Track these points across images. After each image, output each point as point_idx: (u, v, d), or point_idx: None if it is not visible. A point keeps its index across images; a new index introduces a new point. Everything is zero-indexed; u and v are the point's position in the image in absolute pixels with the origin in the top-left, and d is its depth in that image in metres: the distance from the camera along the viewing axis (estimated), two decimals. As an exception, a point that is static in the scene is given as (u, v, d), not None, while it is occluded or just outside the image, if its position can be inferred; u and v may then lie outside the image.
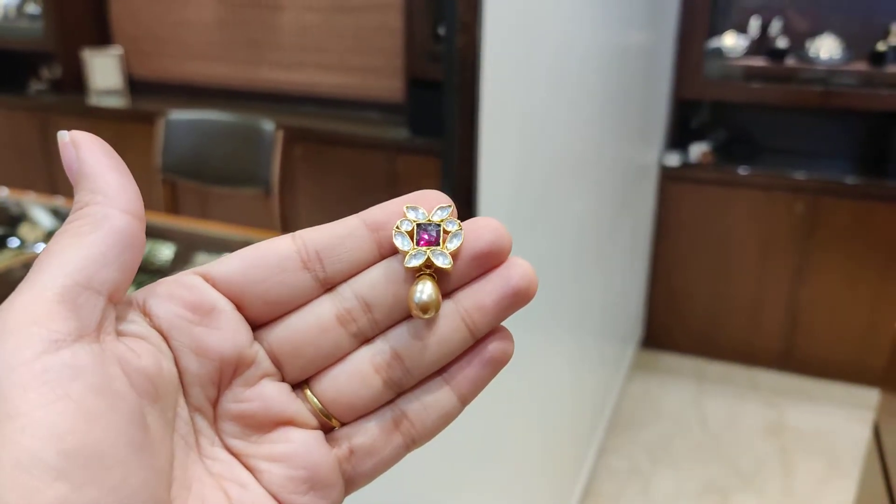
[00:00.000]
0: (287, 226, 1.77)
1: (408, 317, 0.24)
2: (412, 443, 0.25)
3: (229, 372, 0.24)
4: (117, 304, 0.22)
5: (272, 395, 0.24)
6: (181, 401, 0.23)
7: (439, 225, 0.24)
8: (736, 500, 1.80)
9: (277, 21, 2.49)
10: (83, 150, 0.23)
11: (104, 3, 2.71)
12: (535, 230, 1.10)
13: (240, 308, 0.24)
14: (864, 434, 1.90)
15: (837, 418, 2.10)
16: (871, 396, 2.09)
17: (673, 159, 2.24)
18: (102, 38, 2.73)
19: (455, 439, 0.91)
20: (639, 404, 2.15)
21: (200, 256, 1.28)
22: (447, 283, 0.24)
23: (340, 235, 0.24)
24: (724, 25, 2.31)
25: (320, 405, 0.25)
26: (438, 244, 0.24)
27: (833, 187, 2.11)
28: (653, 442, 1.99)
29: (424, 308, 0.23)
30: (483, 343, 0.25)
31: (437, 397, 0.25)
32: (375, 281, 0.24)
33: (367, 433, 0.25)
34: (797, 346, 2.27)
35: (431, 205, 0.25)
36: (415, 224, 0.24)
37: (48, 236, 1.37)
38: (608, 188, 1.58)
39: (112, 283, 0.21)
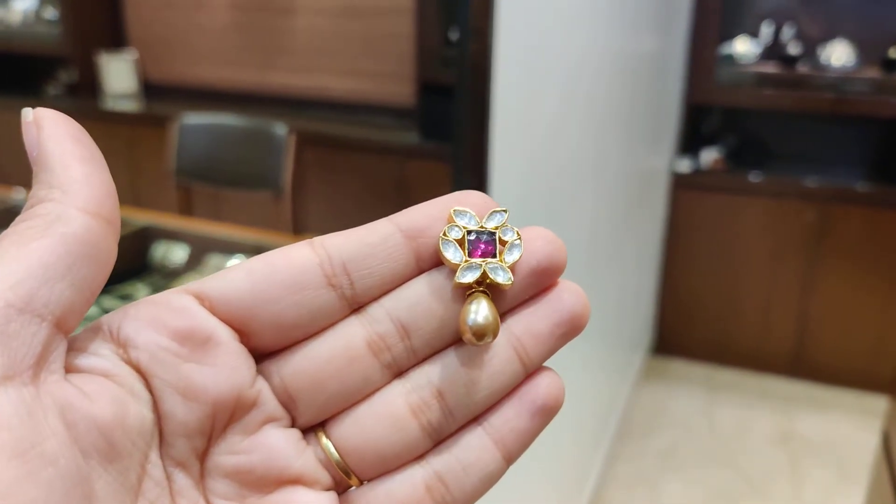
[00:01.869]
0: (298, 228, 1.78)
1: (450, 345, 0.20)
2: None
3: (224, 417, 0.19)
4: (68, 332, 0.17)
5: (276, 445, 0.19)
6: (153, 456, 0.18)
7: (494, 233, 0.20)
8: (745, 508, 1.79)
9: (290, 26, 2.51)
10: (45, 131, 0.18)
11: (120, 8, 2.73)
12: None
13: (244, 336, 0.20)
14: (874, 442, 1.89)
15: (847, 426, 2.09)
16: (881, 404, 2.08)
17: (684, 165, 2.24)
18: (118, 42, 2.76)
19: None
20: (648, 411, 2.15)
21: (213, 258, 1.29)
22: (501, 305, 0.20)
23: (371, 244, 0.20)
24: (735, 31, 2.31)
25: (338, 456, 0.20)
26: (495, 256, 0.20)
27: (844, 194, 2.11)
28: (661, 449, 1.99)
29: (481, 333, 0.19)
30: (530, 385, 0.20)
31: (479, 455, 0.20)
32: (416, 300, 0.20)
33: (391, 499, 0.20)
34: (808, 354, 2.27)
35: (481, 209, 0.21)
36: (465, 231, 0.20)
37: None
38: (618, 194, 1.59)
39: (60, 304, 0.16)
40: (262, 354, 0.20)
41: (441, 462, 0.20)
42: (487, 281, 0.20)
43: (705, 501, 1.81)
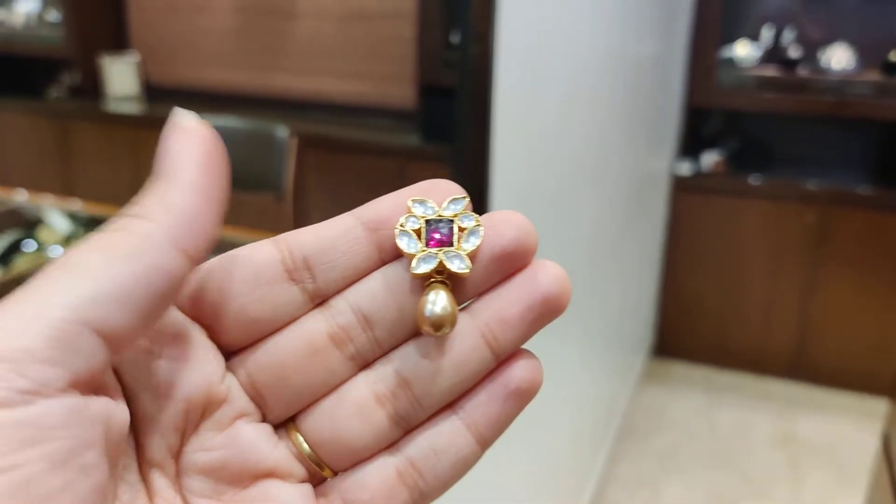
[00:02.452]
0: (300, 231, 1.79)
1: (415, 334, 0.20)
2: (421, 498, 0.20)
3: (196, 414, 0.19)
4: (118, 354, 0.17)
5: (249, 439, 0.19)
6: (127, 459, 0.18)
7: (452, 221, 0.20)
8: (745, 510, 1.79)
9: (291, 29, 2.51)
10: (181, 145, 0.18)
11: (122, 10, 2.74)
12: (545, 238, 1.11)
13: (211, 332, 0.20)
14: (874, 444, 1.89)
15: (848, 428, 2.10)
16: (881, 407, 2.09)
17: (685, 168, 2.24)
18: (120, 45, 2.76)
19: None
20: (649, 412, 2.15)
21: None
22: (463, 292, 0.20)
23: (332, 237, 0.20)
24: (736, 34, 2.31)
25: (310, 450, 0.20)
26: (452, 244, 0.20)
27: (845, 197, 2.11)
28: (662, 450, 1.99)
29: (438, 324, 0.19)
30: (505, 369, 0.20)
31: (452, 439, 0.20)
32: (376, 291, 0.20)
33: (364, 489, 0.20)
34: (808, 356, 2.27)
35: (442, 197, 0.20)
36: (423, 221, 0.20)
37: (65, 240, 1.39)
38: (619, 196, 1.59)
39: (124, 330, 0.16)
40: (229, 351, 0.20)
41: (413, 449, 0.20)
42: (446, 270, 0.19)
43: (705, 502, 1.81)
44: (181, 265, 0.17)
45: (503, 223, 0.20)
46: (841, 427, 2.10)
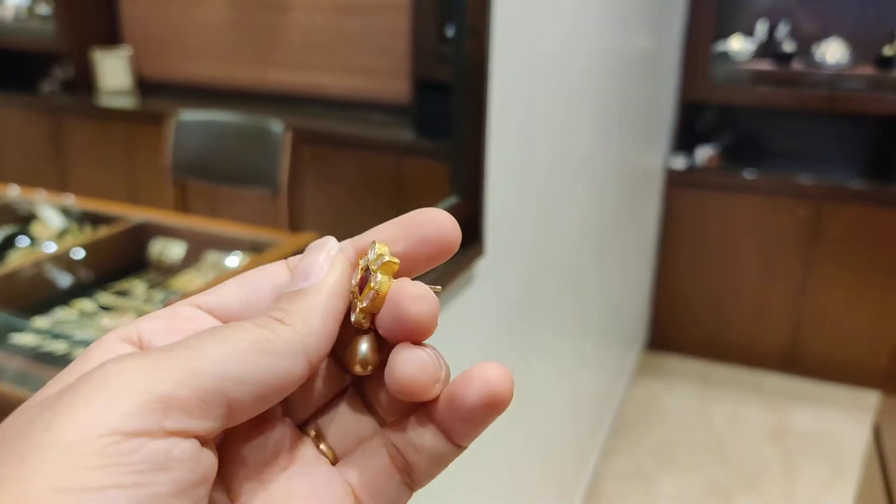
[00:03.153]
0: (295, 225, 1.78)
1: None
2: (411, 482, 0.23)
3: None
4: (232, 423, 0.19)
5: (282, 438, 0.22)
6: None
7: (367, 270, 0.23)
8: (738, 502, 1.80)
9: (285, 22, 2.50)
10: (323, 264, 0.22)
11: (114, 4, 2.73)
12: (540, 232, 1.11)
13: None
14: (866, 436, 1.90)
15: (841, 421, 2.11)
16: (873, 399, 2.10)
17: (679, 162, 2.25)
18: (112, 38, 2.75)
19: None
20: (643, 406, 2.16)
21: (211, 254, 1.29)
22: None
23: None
24: (730, 29, 2.31)
25: (322, 439, 0.23)
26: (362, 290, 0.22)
27: (838, 191, 2.12)
28: (657, 444, 2.00)
29: (364, 363, 0.23)
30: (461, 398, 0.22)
31: (428, 442, 0.22)
32: None
33: (365, 470, 0.23)
34: (801, 349, 2.28)
35: (415, 229, 0.23)
36: (364, 266, 0.23)
37: (58, 235, 1.39)
38: (614, 191, 1.59)
39: (244, 413, 0.19)
40: None
41: (400, 442, 0.22)
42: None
43: (699, 495, 1.82)
44: (304, 373, 0.20)
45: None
46: (833, 419, 2.12)
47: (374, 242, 0.23)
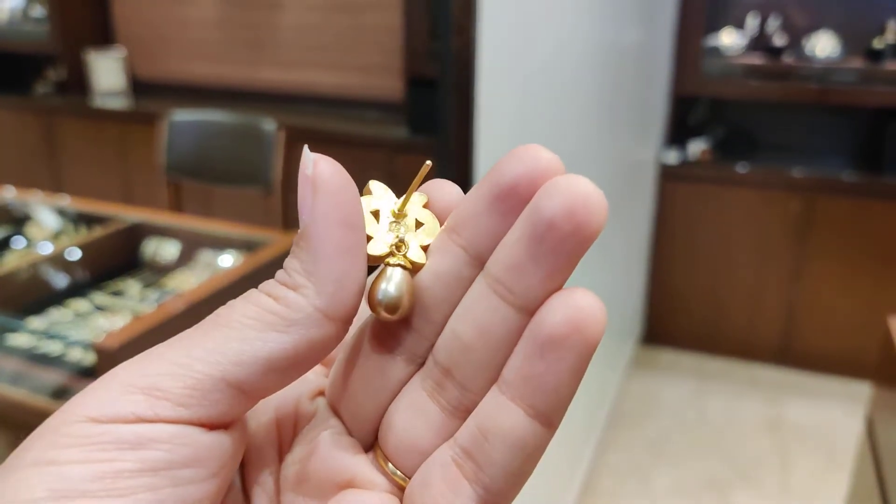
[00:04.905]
0: (288, 224, 1.79)
1: (446, 319, 0.19)
2: (486, 494, 0.18)
3: (289, 430, 0.21)
4: (254, 403, 0.18)
5: (327, 447, 0.20)
6: (235, 478, 0.20)
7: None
8: (735, 495, 1.81)
9: (278, 21, 2.51)
10: (321, 200, 0.18)
11: (107, 5, 2.73)
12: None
13: None
14: (861, 428, 1.91)
15: (836, 413, 2.12)
16: (867, 390, 2.10)
17: (671, 156, 2.26)
18: (106, 39, 2.75)
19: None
20: (638, 400, 2.17)
21: (204, 254, 1.30)
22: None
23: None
24: (721, 22, 2.32)
25: (391, 464, 0.20)
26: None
27: (830, 184, 2.13)
28: (652, 438, 2.01)
29: (392, 306, 0.18)
30: (536, 319, 0.17)
31: (496, 416, 0.18)
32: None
33: (429, 487, 0.19)
34: (795, 342, 2.29)
35: (441, 195, 0.21)
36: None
37: (53, 236, 1.39)
38: (606, 185, 1.60)
39: (263, 389, 0.18)
40: None
41: (464, 436, 0.18)
42: (403, 249, 0.19)
43: (695, 489, 1.83)
44: (330, 333, 0.18)
45: (508, 159, 0.18)
46: (828, 411, 2.13)
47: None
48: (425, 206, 0.20)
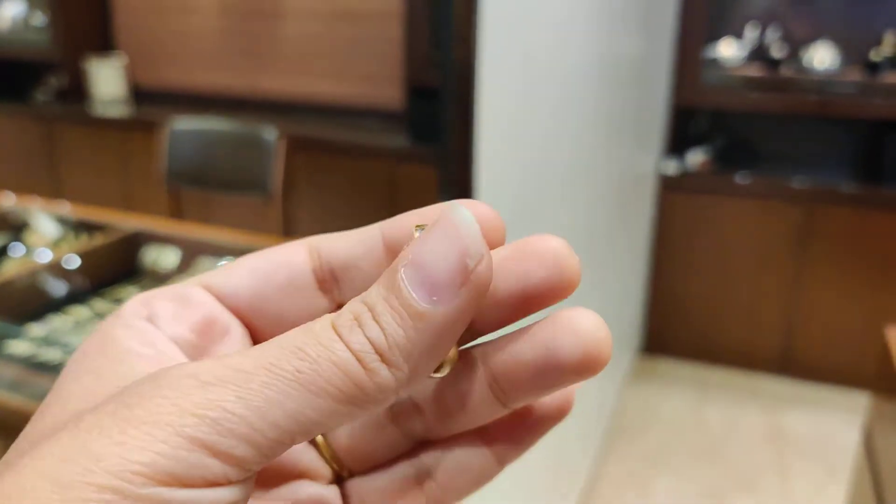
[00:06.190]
0: (288, 231, 1.79)
1: None
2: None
3: None
4: None
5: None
6: None
7: None
8: (733, 505, 1.81)
9: (279, 30, 2.52)
10: (466, 297, 0.16)
11: (108, 13, 2.74)
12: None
13: (251, 334, 0.20)
14: (859, 438, 1.91)
15: (835, 423, 2.12)
16: (867, 400, 2.10)
17: (671, 167, 2.26)
18: (106, 47, 2.76)
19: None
20: (638, 410, 2.17)
21: (204, 261, 1.30)
22: (473, 329, 0.18)
23: (356, 255, 0.20)
24: (721, 33, 2.33)
25: (331, 452, 0.20)
26: None
27: (829, 195, 2.13)
28: (652, 448, 2.01)
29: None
30: (537, 408, 0.20)
31: (473, 460, 0.20)
32: None
33: (383, 494, 0.20)
34: (795, 352, 2.29)
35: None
36: None
37: (53, 243, 1.39)
38: (606, 195, 1.60)
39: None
40: None
41: (432, 461, 0.20)
42: None
43: (695, 499, 1.83)
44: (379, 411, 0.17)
45: (539, 255, 0.17)
46: (828, 421, 2.13)
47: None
48: None
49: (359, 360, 0.15)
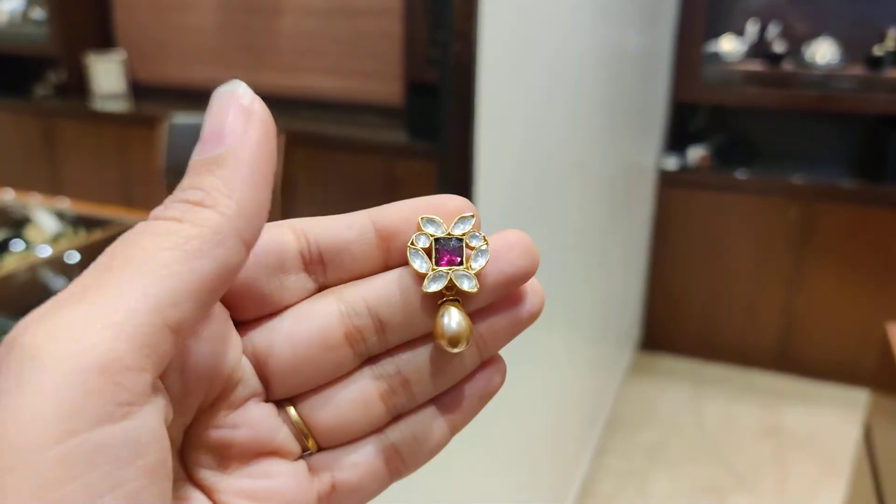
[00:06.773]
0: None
1: (420, 339, 0.21)
2: (397, 475, 0.22)
3: (214, 394, 0.19)
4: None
5: (259, 420, 0.20)
6: None
7: (461, 240, 0.21)
8: (732, 501, 1.81)
9: (278, 26, 2.51)
10: (255, 128, 0.18)
11: (108, 8, 2.73)
12: (531, 234, 1.12)
13: (231, 312, 0.20)
14: (858, 434, 1.91)
15: (833, 419, 2.12)
16: (865, 397, 2.11)
17: (671, 163, 2.26)
18: (106, 43, 2.75)
19: (452, 442, 0.92)
20: (636, 406, 2.17)
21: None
22: (470, 306, 0.21)
23: (348, 239, 0.20)
24: (721, 29, 2.33)
25: (305, 427, 0.21)
26: (461, 263, 0.21)
27: (829, 191, 2.13)
28: (650, 443, 2.01)
29: (455, 340, 0.20)
30: (485, 373, 0.22)
31: (432, 429, 0.22)
32: (393, 298, 0.20)
33: (354, 469, 0.21)
34: (793, 348, 2.29)
35: (451, 214, 0.21)
36: (433, 239, 0.21)
37: (53, 239, 1.39)
38: (605, 191, 1.60)
39: (192, 327, 0.16)
40: (237, 328, 0.20)
41: (398, 435, 0.21)
42: (455, 289, 0.20)
43: (693, 495, 1.83)
44: (243, 258, 0.17)
45: (512, 247, 0.21)
46: (826, 418, 2.13)
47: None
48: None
49: (174, 218, 0.16)
